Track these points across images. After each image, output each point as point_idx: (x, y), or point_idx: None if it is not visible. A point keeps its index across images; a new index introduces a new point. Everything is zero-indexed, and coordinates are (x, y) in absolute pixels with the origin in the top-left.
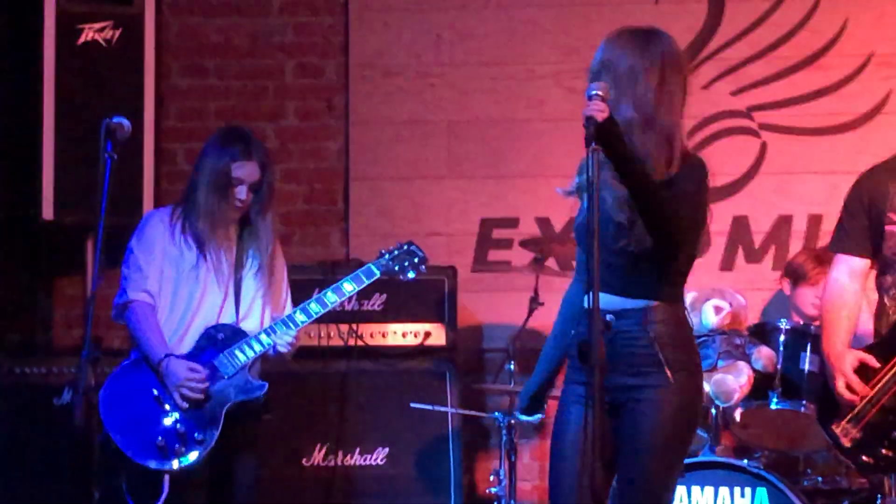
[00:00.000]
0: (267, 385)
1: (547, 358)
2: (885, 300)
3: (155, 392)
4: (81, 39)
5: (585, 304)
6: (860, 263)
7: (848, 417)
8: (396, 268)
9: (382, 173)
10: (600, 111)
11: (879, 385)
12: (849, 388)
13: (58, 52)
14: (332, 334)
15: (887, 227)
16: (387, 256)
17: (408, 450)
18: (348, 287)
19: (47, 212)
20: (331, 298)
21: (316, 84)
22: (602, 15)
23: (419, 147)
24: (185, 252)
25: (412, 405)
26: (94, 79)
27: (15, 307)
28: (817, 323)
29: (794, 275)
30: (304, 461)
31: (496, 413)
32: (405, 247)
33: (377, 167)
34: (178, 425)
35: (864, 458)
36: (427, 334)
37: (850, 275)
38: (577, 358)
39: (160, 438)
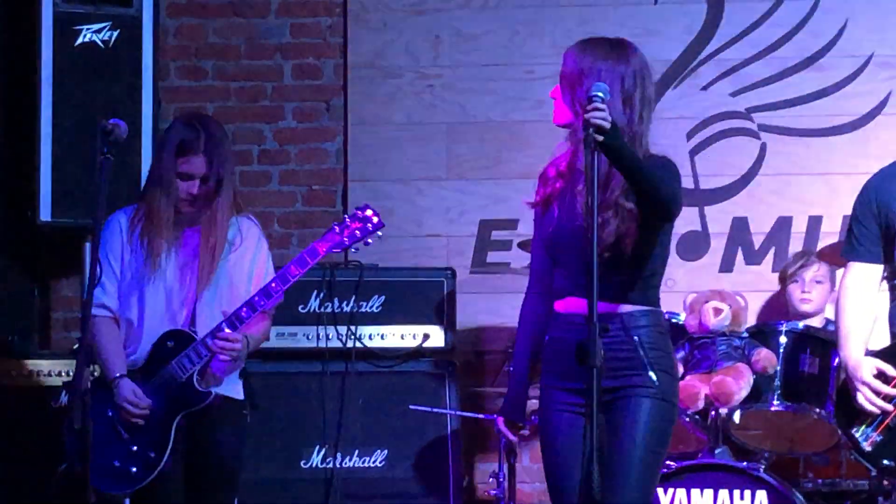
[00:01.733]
0: (214, 392)
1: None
2: None
3: (110, 414)
4: (79, 41)
5: (562, 311)
6: (873, 270)
7: (868, 421)
8: (346, 240)
9: (381, 175)
10: (604, 119)
11: None
12: (875, 392)
13: (55, 54)
14: (330, 336)
15: None
16: (335, 229)
17: (407, 452)
18: (294, 271)
19: (44, 213)
20: (276, 288)
21: (314, 85)
22: (601, 16)
23: (418, 148)
24: (141, 255)
25: (411, 407)
26: (92, 80)
27: (12, 309)
28: (809, 320)
29: (781, 277)
30: (302, 463)
31: (495, 415)
32: (357, 212)
33: (376, 169)
34: (133, 447)
35: (885, 461)
36: (426, 336)
37: (863, 281)
38: (556, 363)
39: (117, 463)
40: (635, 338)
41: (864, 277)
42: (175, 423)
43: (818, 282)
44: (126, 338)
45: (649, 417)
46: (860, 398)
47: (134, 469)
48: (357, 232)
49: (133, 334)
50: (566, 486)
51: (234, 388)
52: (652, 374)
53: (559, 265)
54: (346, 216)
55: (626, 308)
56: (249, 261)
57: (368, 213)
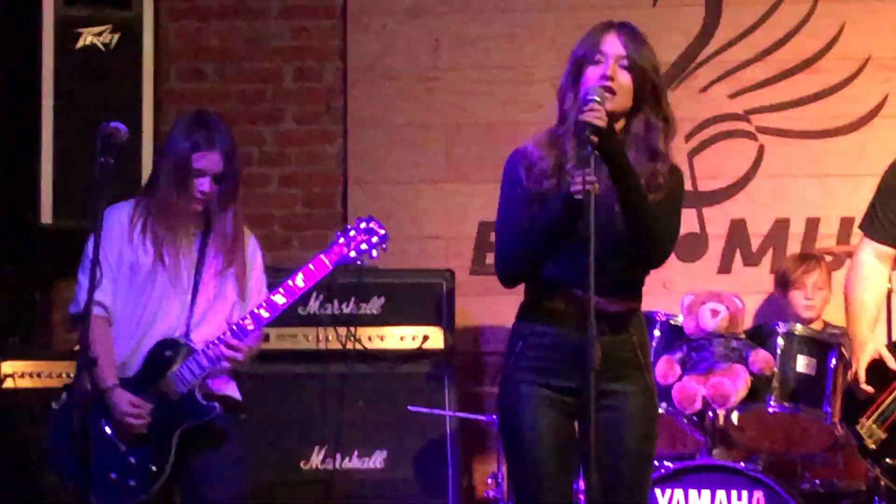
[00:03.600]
0: (218, 406)
1: None
2: None
3: (103, 424)
4: (80, 44)
5: (556, 305)
6: (887, 250)
7: (874, 417)
8: (353, 254)
9: (381, 177)
10: (600, 118)
11: None
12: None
13: (56, 57)
14: (329, 337)
15: None
16: (341, 241)
17: (406, 453)
18: (304, 285)
19: (45, 216)
20: (280, 300)
21: (314, 88)
22: (600, 18)
23: (418, 151)
24: (141, 256)
25: (410, 408)
26: (93, 83)
27: (13, 311)
28: (813, 326)
29: (782, 282)
30: (302, 464)
31: (494, 416)
32: (361, 225)
33: (376, 171)
34: (131, 458)
35: (888, 460)
36: (425, 337)
37: (876, 258)
38: (541, 359)
39: (114, 475)
40: (634, 338)
41: (878, 255)
42: (176, 436)
43: (820, 288)
44: (118, 335)
45: (645, 420)
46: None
47: (132, 482)
48: (363, 245)
49: (128, 333)
50: (546, 486)
51: (230, 389)
52: (647, 376)
53: (554, 254)
54: (349, 227)
55: (629, 307)
56: (256, 279)
57: (373, 225)
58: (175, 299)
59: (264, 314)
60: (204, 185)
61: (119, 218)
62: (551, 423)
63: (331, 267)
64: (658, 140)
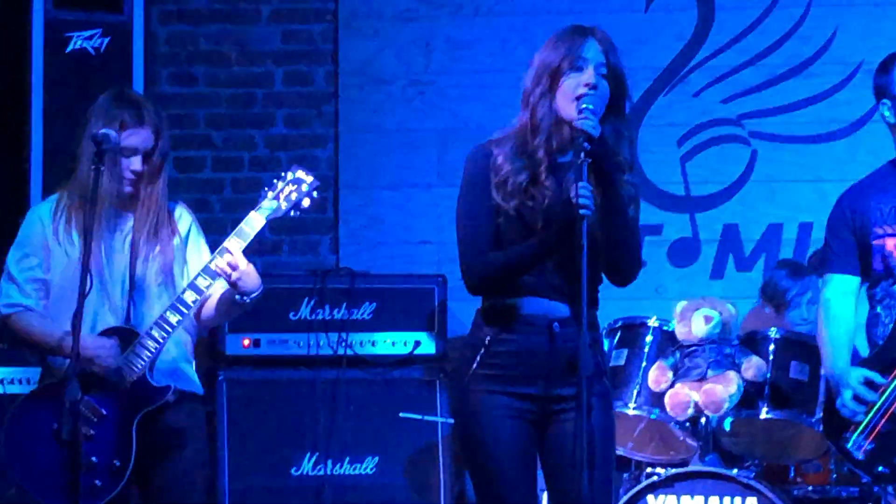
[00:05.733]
0: (173, 386)
1: None
2: (878, 309)
3: (55, 427)
4: (70, 48)
5: (524, 311)
6: (851, 281)
7: (858, 431)
8: (284, 205)
9: (372, 182)
10: (594, 127)
11: (887, 393)
12: (856, 399)
13: (46, 61)
14: (321, 343)
15: (874, 242)
16: (269, 196)
17: (397, 458)
18: (235, 244)
19: None
20: (220, 265)
21: (305, 92)
22: (592, 23)
23: (409, 155)
24: (69, 250)
25: (401, 415)
26: (83, 87)
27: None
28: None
29: (776, 301)
30: (293, 470)
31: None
32: (287, 176)
33: (367, 175)
34: (93, 458)
35: (879, 468)
36: (417, 343)
37: (842, 294)
38: (507, 367)
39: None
40: (598, 344)
41: (843, 290)
42: (135, 424)
43: (813, 303)
44: (63, 335)
45: (609, 422)
46: (846, 396)
47: (98, 482)
48: (294, 195)
49: (69, 327)
50: (509, 496)
51: (191, 383)
52: (606, 381)
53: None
54: (276, 180)
55: (591, 312)
56: (194, 251)
57: (300, 174)
58: (111, 286)
59: (203, 283)
60: (135, 164)
61: (39, 216)
62: (513, 434)
63: (265, 220)
64: (627, 149)
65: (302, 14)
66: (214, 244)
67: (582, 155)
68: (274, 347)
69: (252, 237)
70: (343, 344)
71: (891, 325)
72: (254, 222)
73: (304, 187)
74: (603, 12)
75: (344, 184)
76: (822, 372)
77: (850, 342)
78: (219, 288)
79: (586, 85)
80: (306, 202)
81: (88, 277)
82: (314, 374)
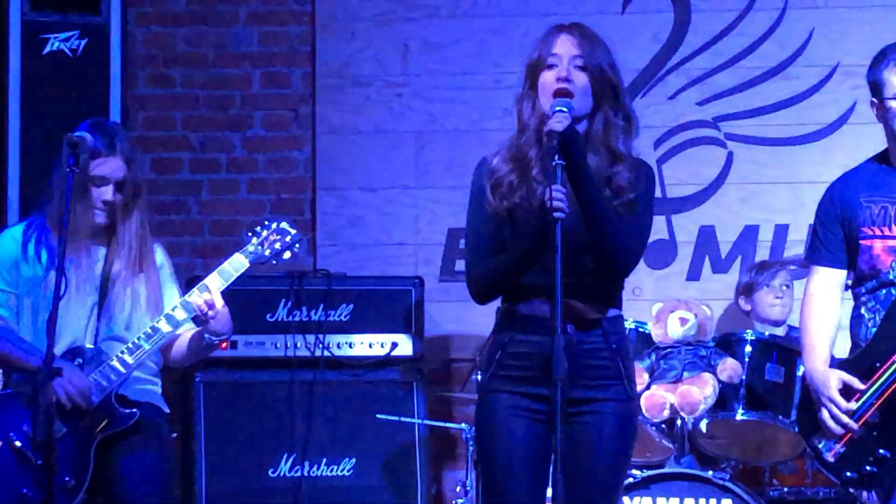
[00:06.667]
0: (137, 412)
1: None
2: (862, 310)
3: (12, 437)
4: (47, 49)
5: (530, 312)
6: (836, 275)
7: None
8: (268, 252)
9: (350, 183)
10: (559, 122)
11: (862, 400)
12: (835, 419)
13: (23, 62)
14: (298, 345)
15: (861, 242)
16: (254, 241)
17: (375, 460)
18: (215, 282)
19: (13, 222)
20: (196, 301)
21: (283, 94)
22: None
23: (386, 157)
24: (39, 271)
25: (378, 416)
26: (60, 89)
27: None
28: (773, 329)
29: (747, 288)
30: (270, 472)
31: (463, 424)
32: (272, 226)
33: (344, 177)
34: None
35: (847, 473)
36: (394, 345)
37: (827, 287)
38: (519, 368)
39: (26, 490)
40: (613, 346)
41: (828, 282)
42: (94, 445)
43: (787, 286)
44: (28, 353)
45: (623, 430)
46: (825, 415)
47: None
48: (277, 245)
49: (37, 344)
50: (517, 494)
51: (157, 400)
52: (627, 386)
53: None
54: (260, 227)
55: (607, 313)
56: (167, 288)
57: (284, 225)
58: (79, 309)
59: (181, 315)
60: (106, 193)
61: (13, 235)
62: (526, 434)
63: (247, 265)
64: (618, 140)
65: (280, 16)
66: (191, 247)
67: (556, 157)
68: (251, 349)
69: (234, 279)
70: (320, 345)
71: (874, 330)
72: (237, 263)
73: (288, 238)
74: (579, 14)
75: (321, 185)
76: (801, 371)
77: (833, 338)
78: (189, 330)
79: (558, 79)
80: (287, 255)
81: (64, 280)
82: (291, 376)
